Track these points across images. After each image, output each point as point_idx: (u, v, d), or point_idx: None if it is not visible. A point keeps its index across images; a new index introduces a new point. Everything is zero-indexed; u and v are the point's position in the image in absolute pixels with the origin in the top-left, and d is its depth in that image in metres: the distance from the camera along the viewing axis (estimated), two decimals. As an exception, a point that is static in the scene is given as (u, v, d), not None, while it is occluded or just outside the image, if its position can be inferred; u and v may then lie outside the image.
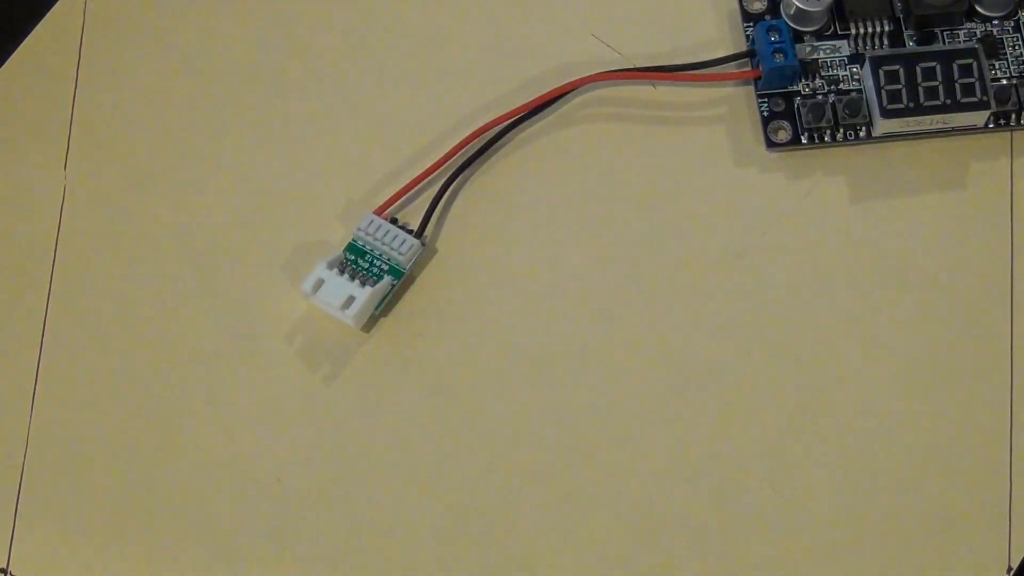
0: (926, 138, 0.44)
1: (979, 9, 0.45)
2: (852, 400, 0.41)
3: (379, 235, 0.41)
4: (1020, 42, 0.45)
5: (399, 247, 0.41)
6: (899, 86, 0.44)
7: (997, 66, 0.45)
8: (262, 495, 0.40)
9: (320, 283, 0.40)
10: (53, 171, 0.44)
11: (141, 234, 0.43)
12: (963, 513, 0.40)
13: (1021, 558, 0.39)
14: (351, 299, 0.40)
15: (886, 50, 0.45)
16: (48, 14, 0.46)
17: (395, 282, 0.41)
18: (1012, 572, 0.39)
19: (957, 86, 0.44)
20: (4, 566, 0.39)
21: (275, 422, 0.41)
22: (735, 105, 0.45)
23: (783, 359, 0.42)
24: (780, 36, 0.44)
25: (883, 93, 0.44)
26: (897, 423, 0.41)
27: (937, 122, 0.44)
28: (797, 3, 0.45)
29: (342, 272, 0.40)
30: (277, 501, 0.40)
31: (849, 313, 0.42)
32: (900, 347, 0.42)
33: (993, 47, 0.45)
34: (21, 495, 0.40)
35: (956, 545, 0.39)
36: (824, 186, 0.44)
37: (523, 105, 0.44)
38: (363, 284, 0.40)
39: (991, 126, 0.44)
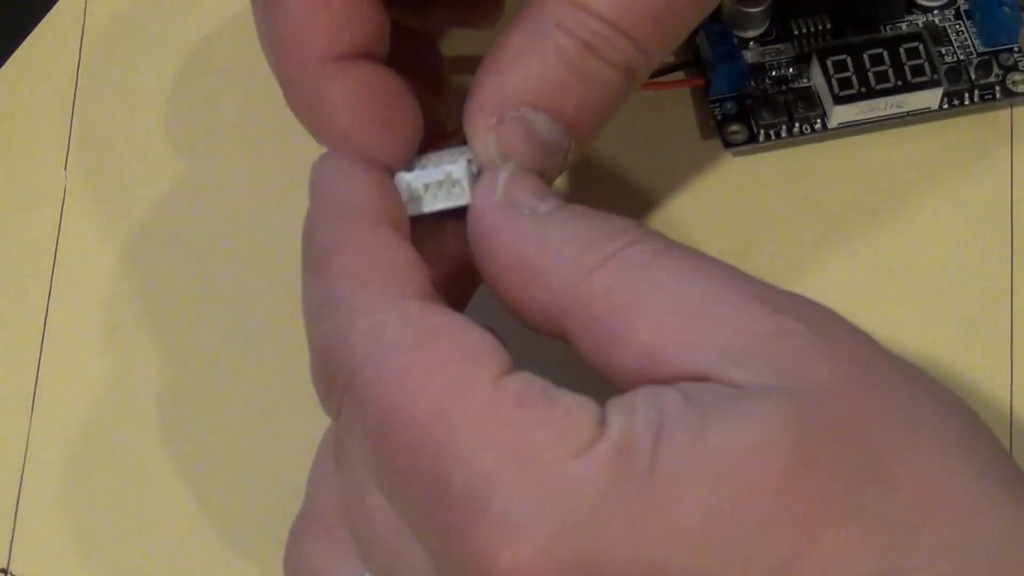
0: (884, 127, 0.44)
1: (918, 0, 0.46)
2: None
3: None
4: (963, 29, 0.45)
5: None
6: (849, 73, 0.44)
7: (944, 52, 0.45)
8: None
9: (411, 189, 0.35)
10: (53, 171, 0.44)
11: (142, 235, 0.43)
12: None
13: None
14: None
15: (830, 42, 0.45)
16: (48, 14, 0.46)
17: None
18: None
19: (907, 68, 0.44)
20: (4, 566, 0.38)
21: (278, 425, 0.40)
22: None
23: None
24: (725, 41, 0.45)
25: (833, 82, 0.44)
26: None
27: (892, 105, 0.44)
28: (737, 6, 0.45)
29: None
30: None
31: (850, 305, 0.41)
32: (898, 341, 0.41)
33: (936, 35, 0.45)
34: (21, 495, 0.39)
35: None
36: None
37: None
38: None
39: (946, 107, 0.44)
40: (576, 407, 0.26)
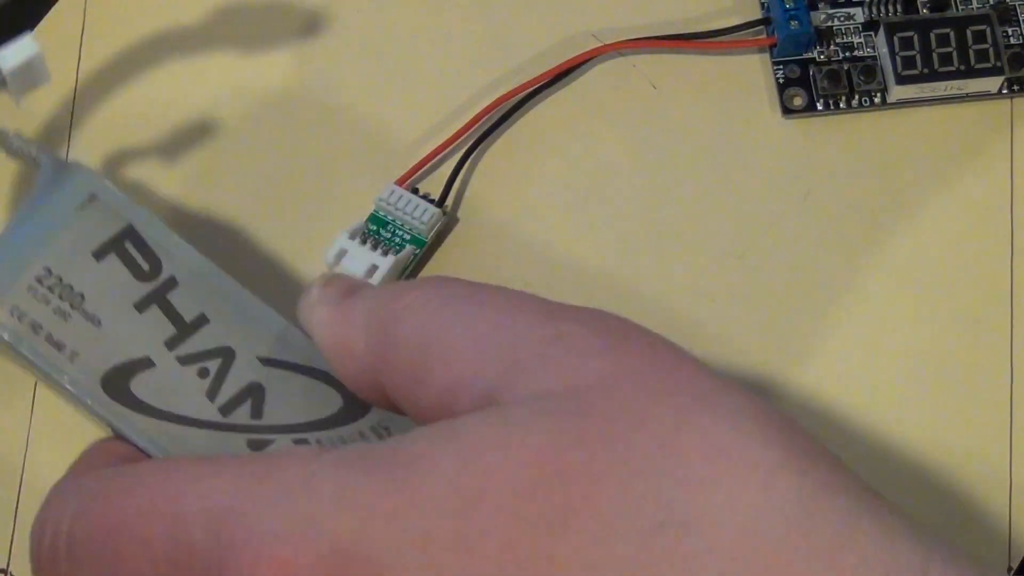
0: (940, 103, 0.45)
1: (994, -23, 0.46)
2: (852, 397, 0.42)
3: (400, 205, 0.42)
4: (1034, 9, 0.45)
5: (420, 216, 0.42)
6: (913, 52, 0.44)
7: (1010, 32, 0.45)
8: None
9: (343, 253, 0.41)
10: None
11: None
12: (963, 513, 0.40)
13: (1021, 558, 0.40)
14: (373, 268, 0.40)
15: (900, 16, 0.45)
16: (48, 14, 0.46)
17: (417, 251, 0.42)
18: (1012, 572, 0.39)
19: (971, 52, 0.44)
20: (4, 566, 0.39)
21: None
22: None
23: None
24: (795, 3, 0.45)
25: (898, 59, 0.44)
26: (898, 421, 0.41)
27: (952, 88, 0.44)
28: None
29: (364, 242, 0.41)
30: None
31: (851, 305, 0.43)
32: (900, 340, 0.43)
33: (1006, 13, 0.45)
34: (21, 495, 0.40)
35: (956, 545, 0.39)
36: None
37: (542, 74, 0.44)
38: (385, 254, 0.41)
39: (1004, 92, 0.45)
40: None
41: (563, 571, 0.24)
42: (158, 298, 0.33)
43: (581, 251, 0.43)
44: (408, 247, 0.42)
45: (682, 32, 0.45)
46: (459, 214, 0.43)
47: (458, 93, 0.45)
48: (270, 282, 0.42)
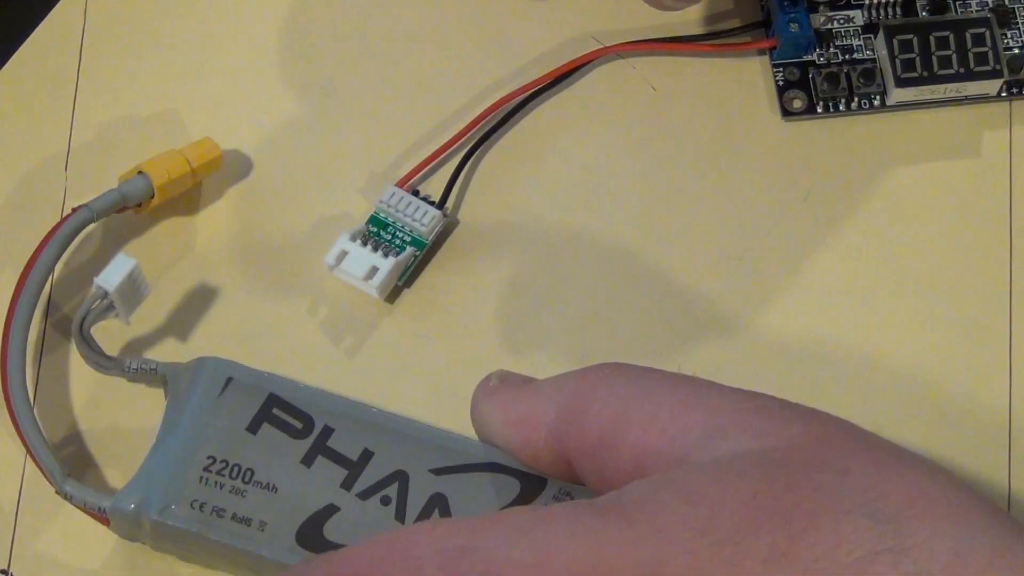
0: (940, 106, 0.45)
1: (992, -20, 0.46)
2: (851, 399, 0.42)
3: (401, 207, 0.42)
4: (1033, 12, 0.46)
5: (421, 218, 0.42)
6: (913, 55, 0.44)
7: (1009, 35, 0.45)
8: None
9: (343, 255, 0.41)
10: (53, 172, 0.44)
11: (142, 236, 0.43)
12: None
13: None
14: (374, 270, 0.41)
15: (900, 19, 0.46)
16: (49, 15, 0.46)
17: (418, 253, 0.42)
18: None
19: (970, 55, 0.44)
20: (4, 567, 0.39)
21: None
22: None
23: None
24: (795, 6, 0.45)
25: (897, 62, 0.44)
26: (896, 424, 0.41)
27: (951, 91, 0.45)
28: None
29: (364, 244, 0.41)
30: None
31: (850, 308, 0.43)
32: (898, 343, 0.43)
33: (1005, 16, 0.45)
34: (21, 495, 0.40)
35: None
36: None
37: (542, 76, 0.44)
38: (386, 255, 0.41)
39: (1003, 95, 0.45)
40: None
41: None
42: (320, 448, 0.36)
43: (581, 253, 0.43)
44: (409, 249, 0.42)
45: (682, 35, 0.46)
46: (459, 216, 0.43)
47: (458, 95, 0.45)
48: (271, 283, 0.42)
